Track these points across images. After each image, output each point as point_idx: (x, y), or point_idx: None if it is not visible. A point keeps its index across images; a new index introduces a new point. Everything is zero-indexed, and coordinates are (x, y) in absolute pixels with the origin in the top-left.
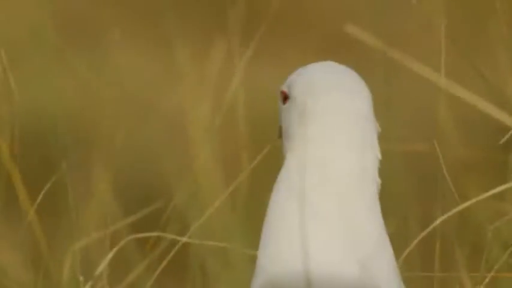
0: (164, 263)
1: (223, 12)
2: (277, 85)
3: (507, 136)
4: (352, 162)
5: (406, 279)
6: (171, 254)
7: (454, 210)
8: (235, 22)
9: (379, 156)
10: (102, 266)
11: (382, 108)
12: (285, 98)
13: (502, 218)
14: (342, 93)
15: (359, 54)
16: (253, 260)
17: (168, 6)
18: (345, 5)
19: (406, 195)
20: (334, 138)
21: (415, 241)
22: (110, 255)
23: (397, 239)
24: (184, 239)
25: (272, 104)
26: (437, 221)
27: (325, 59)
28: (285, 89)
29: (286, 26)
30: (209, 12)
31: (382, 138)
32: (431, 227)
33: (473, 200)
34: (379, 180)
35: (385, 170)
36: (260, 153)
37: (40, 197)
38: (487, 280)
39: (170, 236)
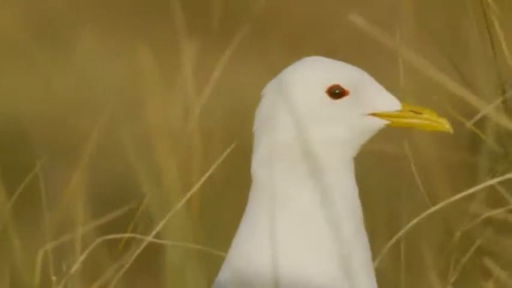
0: (130, 262)
1: (200, 12)
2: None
3: (476, 118)
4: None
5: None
6: (137, 253)
7: (424, 215)
8: (211, 22)
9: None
10: (75, 268)
11: None
12: None
13: (471, 219)
14: (263, 100)
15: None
16: (217, 258)
17: (140, 6)
18: (318, 4)
19: (376, 196)
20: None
21: (385, 248)
22: (82, 257)
23: (369, 241)
24: (149, 238)
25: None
26: (406, 228)
27: (303, 55)
28: None
29: (263, 26)
30: (183, 12)
31: None
32: (399, 234)
33: (443, 204)
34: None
35: (355, 172)
36: (227, 153)
37: (14, 198)
38: (453, 279)
39: (140, 237)
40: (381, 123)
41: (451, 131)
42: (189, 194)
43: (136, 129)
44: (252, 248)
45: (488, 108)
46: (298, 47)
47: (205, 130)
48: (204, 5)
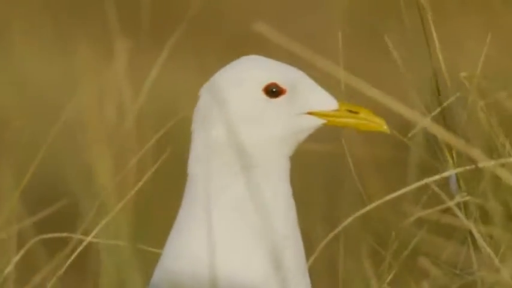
0: (68, 262)
1: (130, 12)
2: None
3: (414, 131)
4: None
5: (312, 280)
6: (76, 253)
7: (357, 214)
8: (142, 23)
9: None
10: (10, 267)
11: None
12: None
13: (405, 219)
14: (200, 99)
15: (268, 52)
16: (152, 258)
17: (72, 5)
18: (253, 5)
19: (313, 194)
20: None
21: (321, 246)
22: (18, 256)
23: (304, 239)
24: (88, 239)
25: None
26: (339, 228)
27: (234, 56)
28: None
29: (196, 27)
30: (116, 12)
31: None
32: (335, 231)
33: (378, 202)
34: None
35: (292, 170)
36: (163, 157)
37: None
38: (389, 278)
39: (77, 236)
40: (318, 122)
41: (388, 131)
42: (126, 199)
43: (71, 128)
44: (183, 244)
45: (425, 121)
46: (234, 48)
47: (139, 129)
48: (136, 5)
